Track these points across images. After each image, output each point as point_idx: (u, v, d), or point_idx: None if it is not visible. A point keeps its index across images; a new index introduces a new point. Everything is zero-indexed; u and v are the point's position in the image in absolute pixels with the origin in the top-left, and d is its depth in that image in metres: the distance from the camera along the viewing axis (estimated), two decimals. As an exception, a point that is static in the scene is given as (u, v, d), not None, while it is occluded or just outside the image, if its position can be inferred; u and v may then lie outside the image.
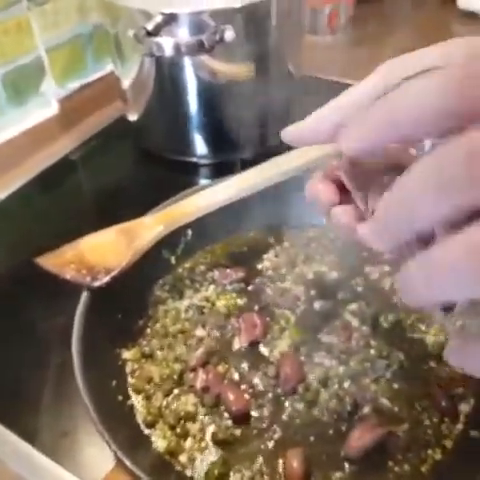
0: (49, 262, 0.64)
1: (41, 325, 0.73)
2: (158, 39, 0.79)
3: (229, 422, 0.60)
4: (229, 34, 0.81)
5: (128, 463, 0.49)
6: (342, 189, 0.43)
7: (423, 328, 0.68)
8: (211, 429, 0.60)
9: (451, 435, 0.58)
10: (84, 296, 0.62)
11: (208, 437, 0.59)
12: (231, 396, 0.61)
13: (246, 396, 0.62)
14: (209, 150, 0.98)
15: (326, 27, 1.38)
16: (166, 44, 0.78)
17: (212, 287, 0.74)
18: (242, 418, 0.60)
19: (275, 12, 0.86)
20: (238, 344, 0.68)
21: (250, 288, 0.74)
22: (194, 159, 0.99)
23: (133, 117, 1.01)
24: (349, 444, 0.57)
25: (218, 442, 0.59)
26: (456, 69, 0.27)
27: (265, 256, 0.78)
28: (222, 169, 0.90)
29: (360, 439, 0.56)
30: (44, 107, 1.08)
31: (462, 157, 0.25)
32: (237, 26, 0.82)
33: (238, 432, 0.60)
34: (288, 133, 0.40)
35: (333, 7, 1.36)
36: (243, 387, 0.63)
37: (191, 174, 0.99)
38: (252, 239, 0.80)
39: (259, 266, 0.77)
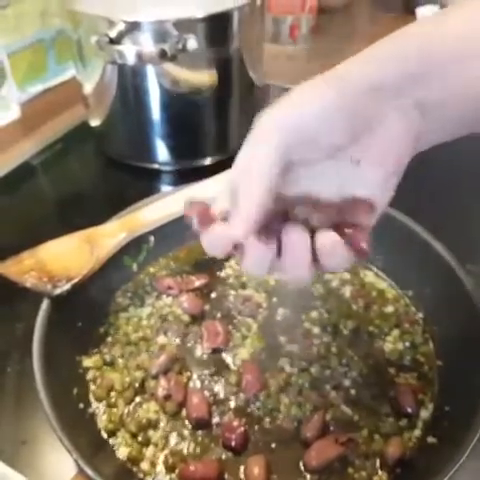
0: (9, 269, 0.64)
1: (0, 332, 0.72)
2: (120, 47, 0.79)
3: (191, 430, 0.61)
4: (192, 43, 0.81)
5: (89, 471, 0.49)
6: None
7: (382, 335, 0.70)
8: (173, 437, 0.60)
9: (409, 442, 0.59)
10: (44, 304, 0.62)
11: (170, 445, 0.59)
12: (192, 403, 0.61)
13: (207, 403, 0.62)
14: (171, 157, 0.98)
15: (288, 37, 1.40)
16: (128, 52, 0.78)
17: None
18: (203, 425, 0.61)
19: (237, 22, 0.87)
20: (200, 351, 0.68)
21: (212, 295, 0.75)
22: (156, 166, 0.99)
23: (95, 122, 1.01)
24: (309, 459, 0.57)
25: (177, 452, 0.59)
26: None
27: (227, 263, 0.78)
28: (184, 176, 0.90)
29: (320, 455, 0.57)
30: (5, 111, 1.06)
31: None
32: (200, 35, 0.82)
33: (199, 439, 0.60)
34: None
35: (295, 18, 1.37)
36: (205, 394, 0.63)
37: (153, 180, 0.99)
38: (214, 246, 0.80)
39: (221, 274, 0.77)
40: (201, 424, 0.60)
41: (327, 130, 0.41)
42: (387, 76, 0.41)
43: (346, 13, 1.57)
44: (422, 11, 1.47)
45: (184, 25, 0.81)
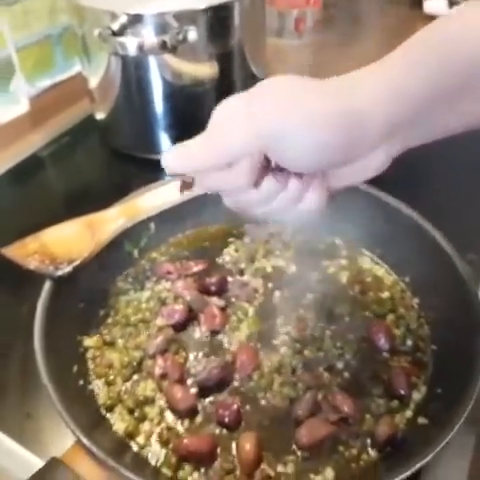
0: (13, 252, 0.65)
1: (5, 313, 0.75)
2: (122, 39, 0.81)
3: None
4: (192, 35, 0.83)
5: (87, 442, 0.51)
6: None
7: (376, 320, 0.71)
8: (168, 413, 0.62)
9: (400, 422, 0.61)
10: (47, 285, 0.64)
11: (165, 421, 0.61)
12: (176, 396, 0.62)
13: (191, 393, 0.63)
14: (174, 148, 0.99)
15: (293, 31, 1.41)
16: (130, 44, 0.80)
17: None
18: (190, 413, 0.62)
19: (238, 14, 0.88)
20: (197, 333, 0.70)
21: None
22: (159, 156, 1.00)
23: (101, 115, 1.03)
24: (301, 437, 0.58)
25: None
26: None
27: (226, 250, 0.80)
28: (186, 166, 0.92)
29: (311, 433, 0.58)
30: (14, 105, 1.09)
31: None
32: (200, 27, 0.84)
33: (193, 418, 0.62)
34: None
35: (300, 11, 1.38)
36: (187, 385, 0.64)
37: (157, 171, 0.99)
38: (214, 234, 0.82)
39: (220, 260, 0.79)
40: (188, 413, 0.62)
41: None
42: (404, 116, 0.44)
43: (352, 6, 1.57)
44: (430, 4, 1.47)
45: (185, 17, 0.83)
